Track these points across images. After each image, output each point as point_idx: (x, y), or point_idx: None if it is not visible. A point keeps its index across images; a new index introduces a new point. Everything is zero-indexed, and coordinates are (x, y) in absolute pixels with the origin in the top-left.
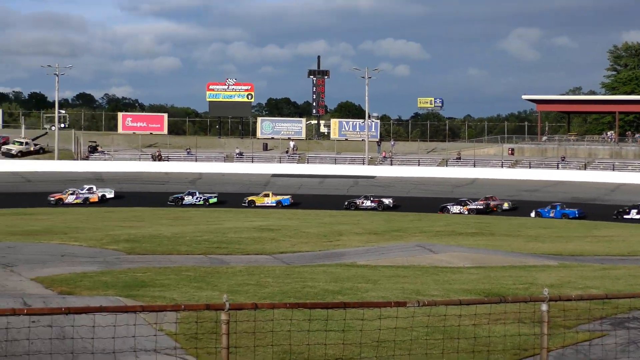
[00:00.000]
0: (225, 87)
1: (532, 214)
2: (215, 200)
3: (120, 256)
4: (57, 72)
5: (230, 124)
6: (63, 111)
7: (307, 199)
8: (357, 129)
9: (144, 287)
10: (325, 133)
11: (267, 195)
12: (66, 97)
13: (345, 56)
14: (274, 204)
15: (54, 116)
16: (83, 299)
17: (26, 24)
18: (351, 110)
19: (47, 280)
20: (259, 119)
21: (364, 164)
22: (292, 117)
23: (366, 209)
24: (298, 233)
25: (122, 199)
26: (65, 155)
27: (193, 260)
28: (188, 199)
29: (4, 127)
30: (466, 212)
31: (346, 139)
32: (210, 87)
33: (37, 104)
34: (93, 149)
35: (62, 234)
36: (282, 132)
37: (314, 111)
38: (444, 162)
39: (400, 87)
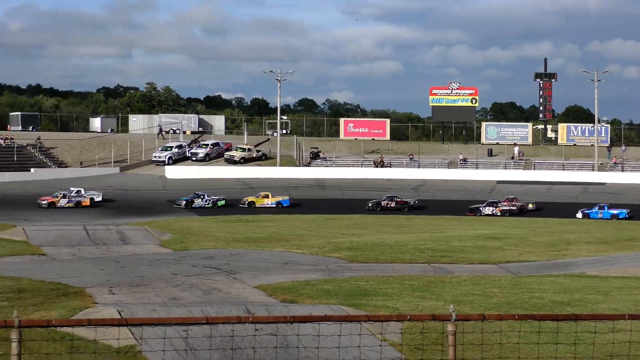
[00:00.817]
0: (449, 91)
1: (579, 215)
2: (223, 202)
3: (343, 264)
4: (278, 78)
5: (453, 129)
6: (285, 117)
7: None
8: (586, 134)
9: (366, 296)
10: (553, 138)
11: (266, 196)
12: (288, 103)
13: (571, 58)
14: (274, 205)
15: (275, 122)
16: (306, 307)
17: (247, 29)
18: (579, 114)
19: (270, 288)
20: (484, 124)
21: (593, 170)
22: (518, 121)
23: (391, 209)
24: (525, 242)
25: (345, 207)
26: (287, 161)
27: (416, 269)
28: (197, 202)
29: (226, 133)
30: (499, 214)
31: (574, 144)
32: (433, 91)
33: (259, 110)
34: (315, 155)
35: (285, 242)
36: (507, 138)
37: (541, 115)
38: None
39: (631, 89)
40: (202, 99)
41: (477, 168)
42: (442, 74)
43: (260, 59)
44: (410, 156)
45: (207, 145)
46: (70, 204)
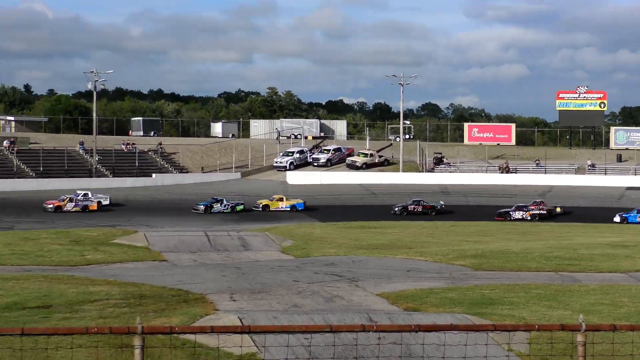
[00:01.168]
0: (576, 95)
1: (617, 219)
2: (242, 207)
3: (467, 272)
4: (401, 82)
5: (581, 134)
6: (408, 122)
7: None
8: None
9: (491, 304)
10: None
11: (281, 200)
12: (411, 108)
13: None
14: (288, 209)
15: (398, 127)
16: (429, 315)
17: (369, 33)
18: None
19: (392, 295)
20: (612, 129)
21: None
22: None
23: (417, 213)
24: None
25: (459, 215)
26: (410, 167)
27: (543, 278)
28: (216, 207)
29: (348, 138)
30: (529, 218)
31: None
32: (560, 95)
33: (382, 114)
34: (438, 161)
35: (407, 249)
36: (637, 143)
37: None
38: None
39: None
40: (323, 103)
41: (605, 174)
42: (569, 77)
43: (382, 62)
44: (537, 162)
45: (328, 150)
46: (77, 208)
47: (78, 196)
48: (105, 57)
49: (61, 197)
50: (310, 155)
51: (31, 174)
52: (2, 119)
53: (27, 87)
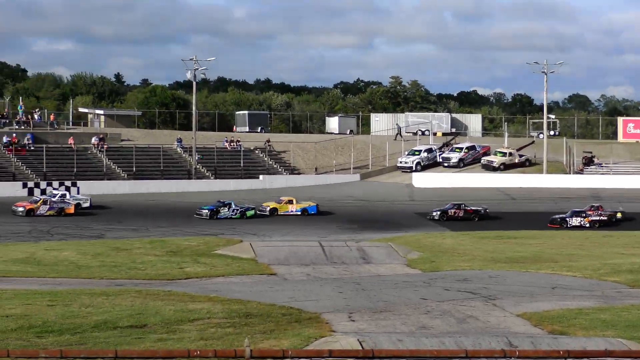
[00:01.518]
0: None
1: None
2: (252, 212)
3: (622, 289)
4: (545, 70)
5: None
6: (552, 116)
7: None
8: None
9: None
10: None
11: (290, 202)
12: (556, 100)
13: None
14: (299, 212)
15: (541, 122)
16: (578, 340)
17: (506, 14)
18: None
19: (536, 316)
20: None
21: None
22: None
23: (458, 219)
24: None
25: (630, 222)
26: (556, 168)
27: None
28: (223, 212)
29: (483, 135)
30: (587, 225)
31: None
32: None
33: (522, 107)
34: (588, 161)
35: (552, 262)
36: None
37: None
38: None
39: None
40: (455, 95)
41: None
42: None
43: (522, 48)
44: None
45: (461, 148)
46: (51, 212)
47: (54, 197)
48: (206, 43)
49: (33, 198)
50: (439, 155)
51: (123, 174)
52: (91, 113)
53: (118, 76)
